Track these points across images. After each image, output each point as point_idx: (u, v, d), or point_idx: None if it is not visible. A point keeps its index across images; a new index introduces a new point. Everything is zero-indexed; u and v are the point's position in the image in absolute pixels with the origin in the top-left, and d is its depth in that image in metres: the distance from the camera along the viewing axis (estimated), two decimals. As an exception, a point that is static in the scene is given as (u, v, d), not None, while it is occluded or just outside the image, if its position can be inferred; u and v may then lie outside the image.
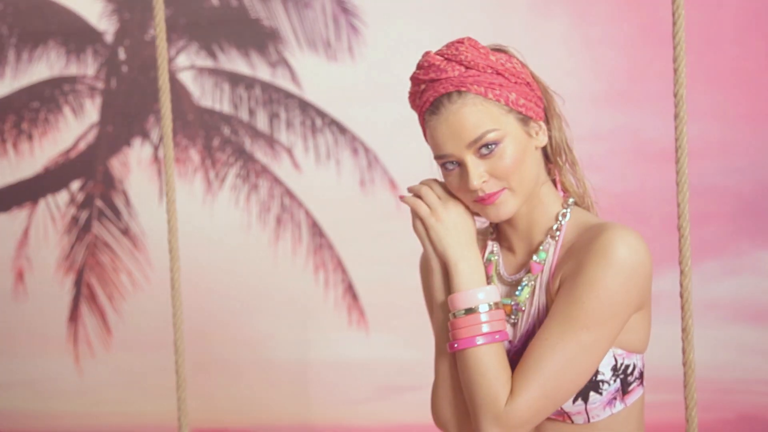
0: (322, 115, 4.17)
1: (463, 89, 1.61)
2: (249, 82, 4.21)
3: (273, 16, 4.16)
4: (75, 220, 4.34)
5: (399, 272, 3.82)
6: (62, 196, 4.33)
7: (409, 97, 1.70)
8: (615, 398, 1.65)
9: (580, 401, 1.63)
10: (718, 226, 3.84)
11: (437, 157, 1.64)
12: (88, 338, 4.28)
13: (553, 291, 1.65)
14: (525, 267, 1.71)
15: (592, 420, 1.65)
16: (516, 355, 1.66)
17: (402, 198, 1.70)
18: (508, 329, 1.69)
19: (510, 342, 1.69)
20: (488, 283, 1.71)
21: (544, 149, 1.70)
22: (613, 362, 1.64)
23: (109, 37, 4.29)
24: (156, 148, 4.25)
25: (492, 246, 1.75)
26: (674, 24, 2.05)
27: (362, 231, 4.10)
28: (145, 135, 4.27)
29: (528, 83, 1.66)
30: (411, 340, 3.99)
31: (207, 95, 4.25)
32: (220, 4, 4.19)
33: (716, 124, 3.82)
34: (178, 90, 4.24)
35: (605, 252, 1.57)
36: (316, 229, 4.20)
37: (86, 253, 4.33)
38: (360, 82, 4.07)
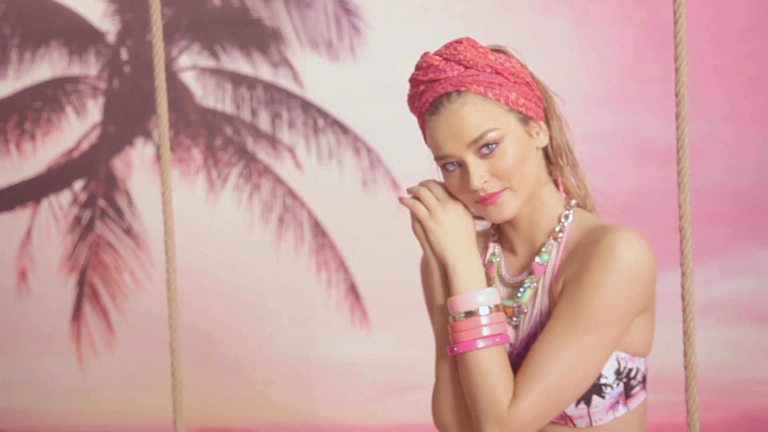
0: (324, 115, 4.17)
1: (463, 89, 1.60)
2: (251, 82, 4.22)
3: (275, 17, 4.17)
4: (78, 219, 4.34)
5: (401, 272, 3.82)
6: (65, 196, 4.34)
7: (408, 100, 1.69)
8: (618, 402, 1.64)
9: (582, 405, 1.62)
10: (720, 227, 3.83)
11: (437, 158, 1.64)
12: (90, 337, 4.29)
13: (556, 293, 1.64)
14: (527, 269, 1.70)
15: (594, 424, 1.64)
16: (518, 358, 1.66)
17: (401, 200, 1.69)
18: (510, 331, 1.68)
19: (511, 344, 1.68)
20: (490, 284, 1.71)
21: (544, 150, 1.69)
22: (617, 366, 1.63)
23: (111, 38, 4.29)
24: (158, 148, 4.25)
25: (493, 248, 1.75)
26: (675, 22, 2.04)
27: (364, 231, 4.10)
28: (148, 135, 4.27)
29: (528, 83, 1.65)
30: (413, 340, 3.99)
31: (209, 95, 4.25)
32: (222, 4, 4.19)
33: (719, 124, 3.82)
34: (181, 90, 4.24)
35: (609, 254, 1.56)
36: (319, 229, 4.20)
37: (89, 253, 4.34)
38: (362, 82, 4.07)
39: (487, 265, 1.74)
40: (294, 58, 4.16)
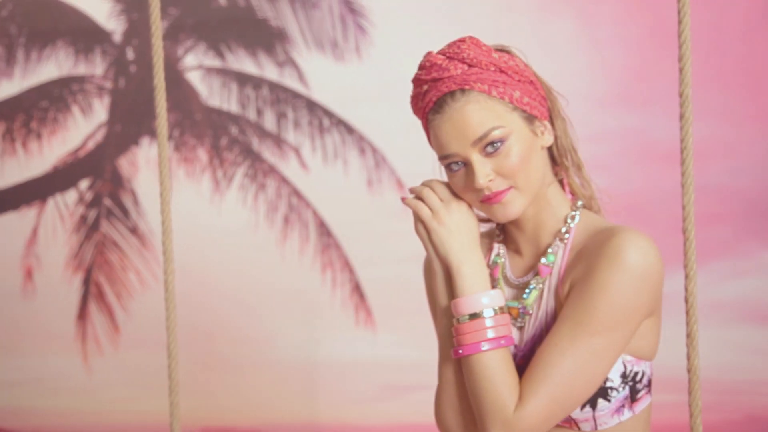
0: (329, 115, 4.17)
1: (467, 87, 1.59)
2: (257, 82, 4.22)
3: (280, 16, 4.17)
4: (83, 218, 4.35)
5: (406, 272, 3.81)
6: (71, 195, 4.34)
7: (411, 101, 1.67)
8: (623, 406, 1.63)
9: (588, 408, 1.61)
10: (724, 227, 3.83)
11: (442, 158, 1.62)
12: (96, 336, 4.30)
13: (563, 295, 1.62)
14: (533, 269, 1.68)
15: (599, 427, 1.63)
16: (522, 360, 1.64)
17: (404, 200, 1.67)
18: (514, 333, 1.66)
19: (516, 346, 1.66)
20: (494, 285, 1.69)
21: (549, 150, 1.68)
22: (623, 369, 1.61)
23: (117, 37, 4.30)
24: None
25: (498, 248, 1.73)
26: (680, 22, 2.04)
27: (369, 231, 4.10)
28: (153, 134, 4.28)
29: (531, 81, 1.63)
30: (418, 340, 3.99)
31: (215, 95, 4.26)
32: (228, 4, 4.20)
33: (723, 125, 3.82)
34: (186, 90, 4.25)
35: (617, 256, 1.54)
36: (324, 229, 4.20)
37: (95, 252, 4.34)
38: (367, 82, 4.08)
39: (492, 266, 1.72)
40: (299, 58, 4.17)
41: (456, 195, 1.65)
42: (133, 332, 4.27)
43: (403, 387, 4.08)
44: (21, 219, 4.33)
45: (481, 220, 1.71)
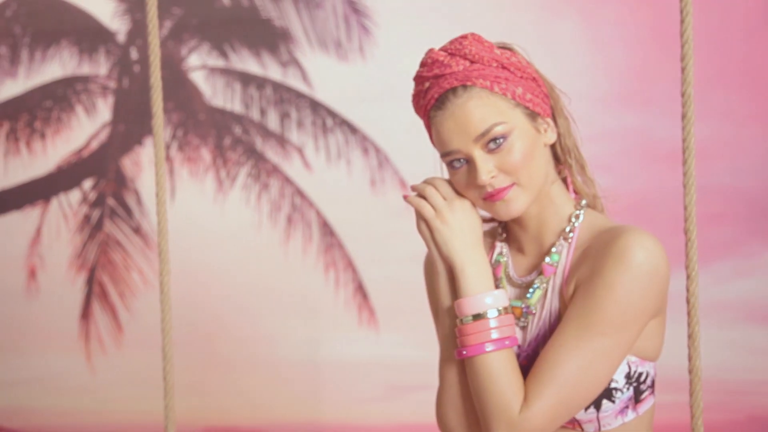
0: (332, 114, 4.18)
1: (469, 83, 1.58)
2: (260, 82, 4.23)
3: (284, 16, 4.17)
4: (87, 218, 4.36)
5: (409, 271, 3.80)
6: (74, 195, 4.35)
7: (413, 99, 1.66)
8: (627, 407, 1.61)
9: (592, 409, 1.59)
10: (726, 227, 3.83)
11: (444, 156, 1.61)
12: (99, 336, 4.30)
13: (567, 295, 1.61)
14: (536, 269, 1.67)
15: (603, 429, 1.61)
16: (525, 360, 1.63)
17: (406, 198, 1.65)
18: (517, 333, 1.65)
19: (519, 346, 1.65)
20: (497, 285, 1.68)
21: (552, 148, 1.67)
22: (627, 369, 1.60)
23: (121, 37, 4.31)
24: (167, 147, 4.26)
25: (501, 247, 1.71)
26: (682, 22, 2.03)
27: (373, 230, 4.11)
28: (157, 134, 4.28)
29: (534, 78, 1.62)
30: (421, 340, 3.98)
31: (218, 95, 4.26)
32: (232, 4, 4.20)
33: (725, 125, 3.82)
34: (190, 89, 4.25)
35: (623, 256, 1.53)
36: (327, 229, 4.21)
37: (98, 252, 4.35)
38: (371, 82, 4.08)
39: (494, 265, 1.70)
40: (303, 58, 4.17)
41: (459, 193, 1.64)
42: (136, 332, 4.28)
43: (406, 387, 4.08)
44: (24, 219, 4.34)
45: (485, 221, 1.70)
